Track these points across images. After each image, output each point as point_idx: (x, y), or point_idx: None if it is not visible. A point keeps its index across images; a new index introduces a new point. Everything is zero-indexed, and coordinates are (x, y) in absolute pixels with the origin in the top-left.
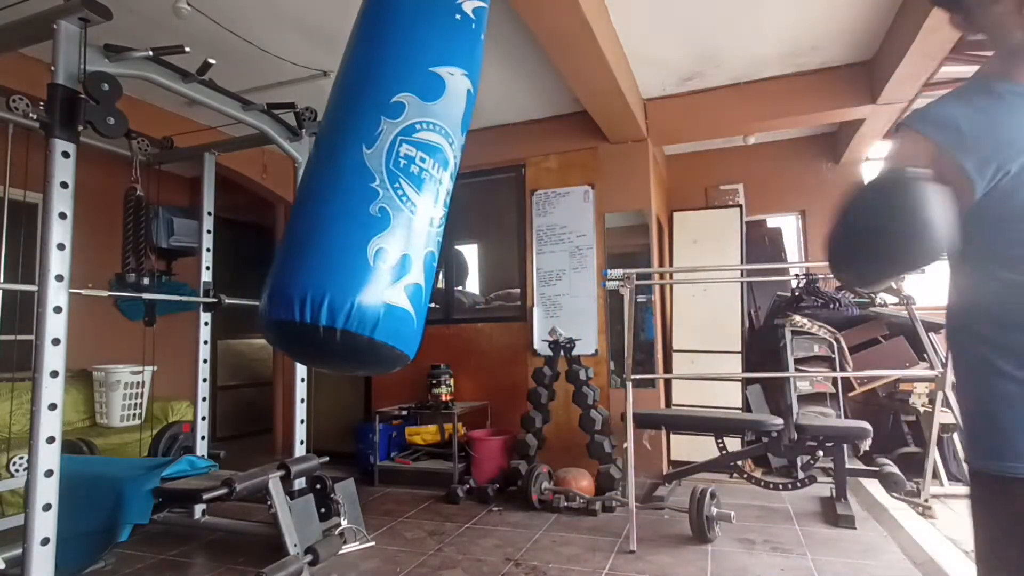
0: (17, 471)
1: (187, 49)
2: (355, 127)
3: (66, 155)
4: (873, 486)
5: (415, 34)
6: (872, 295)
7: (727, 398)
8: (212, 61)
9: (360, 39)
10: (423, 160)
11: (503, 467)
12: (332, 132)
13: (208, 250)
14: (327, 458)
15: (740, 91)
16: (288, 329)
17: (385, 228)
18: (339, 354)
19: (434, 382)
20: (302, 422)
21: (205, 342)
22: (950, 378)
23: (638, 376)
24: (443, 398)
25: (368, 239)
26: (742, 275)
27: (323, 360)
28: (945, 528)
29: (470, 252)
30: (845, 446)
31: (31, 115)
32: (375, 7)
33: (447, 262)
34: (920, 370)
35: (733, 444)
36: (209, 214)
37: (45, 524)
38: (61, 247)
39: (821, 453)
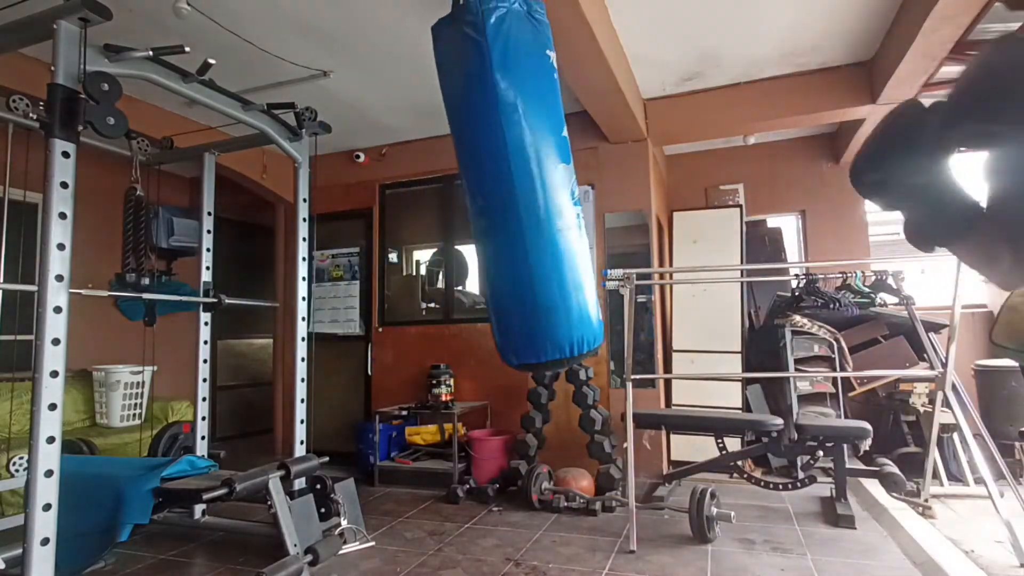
0: (17, 471)
1: (187, 49)
2: (546, 210)
3: (66, 155)
4: (873, 486)
5: (544, 104)
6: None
7: (727, 398)
8: (212, 61)
9: (522, 117)
10: (579, 216)
11: (503, 467)
12: (548, 202)
13: (208, 250)
14: (327, 458)
15: (740, 91)
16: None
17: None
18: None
19: (434, 382)
20: (302, 422)
21: (205, 342)
22: (950, 378)
23: (638, 376)
24: (443, 398)
25: (583, 271)
26: (742, 275)
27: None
28: (945, 528)
29: (470, 252)
30: (845, 446)
31: (31, 115)
32: (508, 81)
33: (447, 262)
34: (920, 370)
35: (733, 444)
36: (209, 214)
37: (45, 524)
38: (61, 247)
39: (821, 453)
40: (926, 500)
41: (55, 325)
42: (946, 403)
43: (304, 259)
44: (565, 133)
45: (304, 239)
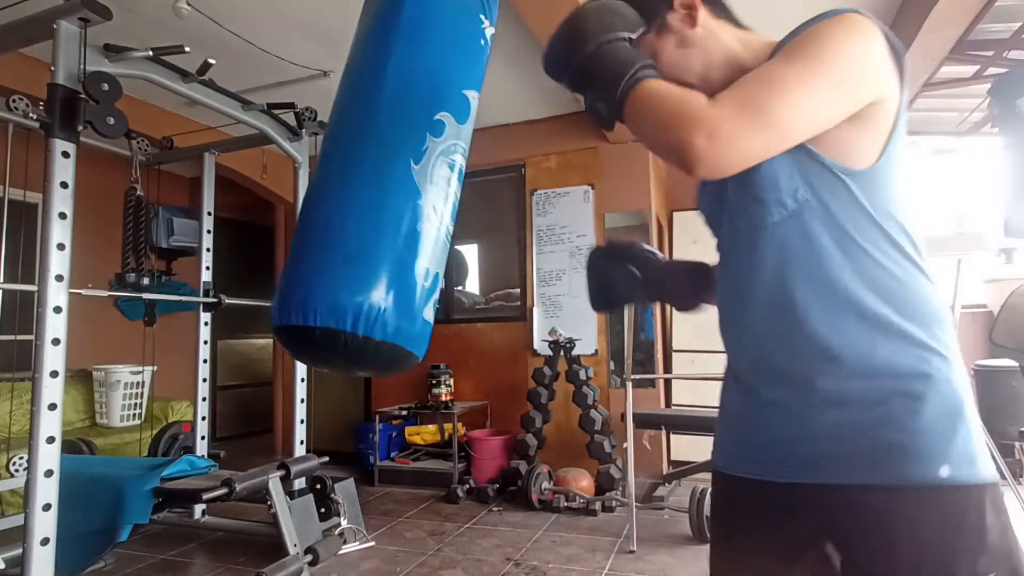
0: (17, 471)
1: (187, 49)
2: (400, 140)
3: (66, 155)
4: None
5: (453, 56)
6: None
7: None
8: (212, 61)
9: (393, 52)
10: (448, 181)
11: (503, 467)
12: (374, 145)
13: (208, 250)
14: (327, 458)
15: None
16: (323, 335)
17: (425, 247)
18: (382, 364)
19: (434, 382)
20: (302, 422)
21: (205, 342)
22: None
23: (638, 376)
24: (443, 398)
25: (416, 258)
26: None
27: (327, 360)
28: None
29: (470, 252)
30: None
31: (31, 115)
32: (407, 24)
33: (447, 262)
34: None
35: None
36: (209, 214)
37: (45, 524)
38: (61, 247)
39: None
40: None
41: (55, 325)
42: None
43: None
44: (470, 95)
45: None
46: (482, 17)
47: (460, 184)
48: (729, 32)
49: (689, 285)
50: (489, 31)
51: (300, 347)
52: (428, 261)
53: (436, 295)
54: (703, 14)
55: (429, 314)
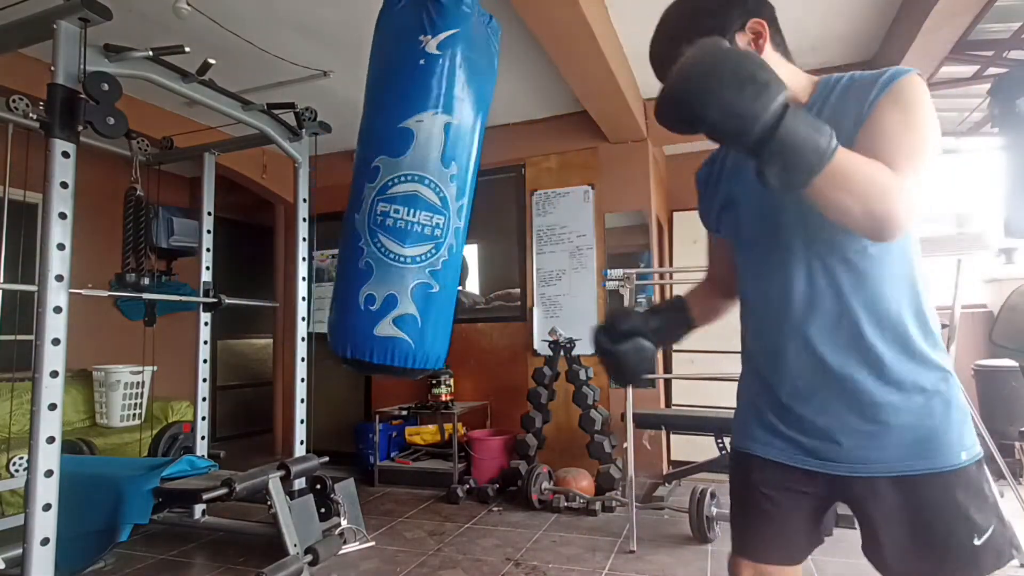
0: (17, 471)
1: (187, 49)
2: (351, 198)
3: (66, 155)
4: None
5: (386, 96)
6: None
7: (727, 398)
8: (212, 61)
9: (363, 108)
10: (396, 211)
11: (503, 467)
12: (348, 203)
13: (208, 250)
14: (327, 458)
15: None
16: (339, 360)
17: (370, 278)
18: (364, 370)
19: (434, 382)
20: (302, 422)
21: (205, 342)
22: None
23: None
24: (443, 398)
25: (358, 289)
26: None
27: (371, 371)
28: None
29: (470, 252)
30: None
31: (31, 115)
32: (368, 79)
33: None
34: None
35: None
36: (209, 214)
37: (45, 524)
38: (61, 247)
39: None
40: None
41: (55, 325)
42: None
43: (304, 259)
44: (410, 123)
45: (304, 239)
46: (421, 37)
47: (419, 207)
48: (782, 63)
49: (679, 327)
50: (432, 44)
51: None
52: (373, 288)
53: (401, 311)
54: (767, 45)
55: (383, 329)
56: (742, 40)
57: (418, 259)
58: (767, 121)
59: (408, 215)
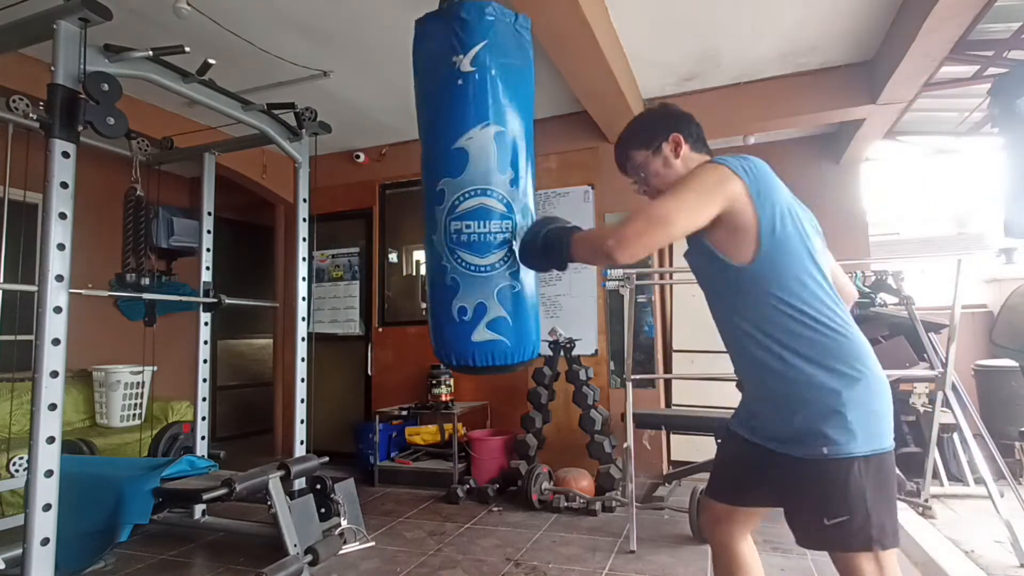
0: (17, 471)
1: (187, 49)
2: (427, 223)
3: (66, 155)
4: None
5: (436, 124)
6: (870, 295)
7: (727, 398)
8: (212, 61)
9: (419, 132)
10: (468, 227)
11: (503, 467)
12: (424, 232)
13: (208, 250)
14: (327, 458)
15: (740, 91)
16: (453, 368)
17: (457, 291)
18: (472, 372)
19: (434, 382)
20: (302, 422)
21: (205, 342)
22: (950, 378)
23: (638, 376)
24: (443, 398)
25: (450, 302)
26: None
27: (484, 373)
28: (945, 528)
29: None
30: None
31: (31, 115)
32: (418, 109)
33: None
34: (920, 370)
35: None
36: (209, 214)
37: (45, 524)
38: (61, 247)
39: None
40: (926, 500)
41: (55, 325)
42: (946, 403)
43: (304, 259)
44: (463, 143)
45: (304, 239)
46: (454, 58)
47: (485, 216)
48: (698, 157)
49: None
50: (465, 62)
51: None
52: (463, 300)
53: (492, 315)
54: (685, 148)
55: (479, 335)
56: (667, 148)
57: (497, 265)
58: (540, 241)
59: (479, 228)
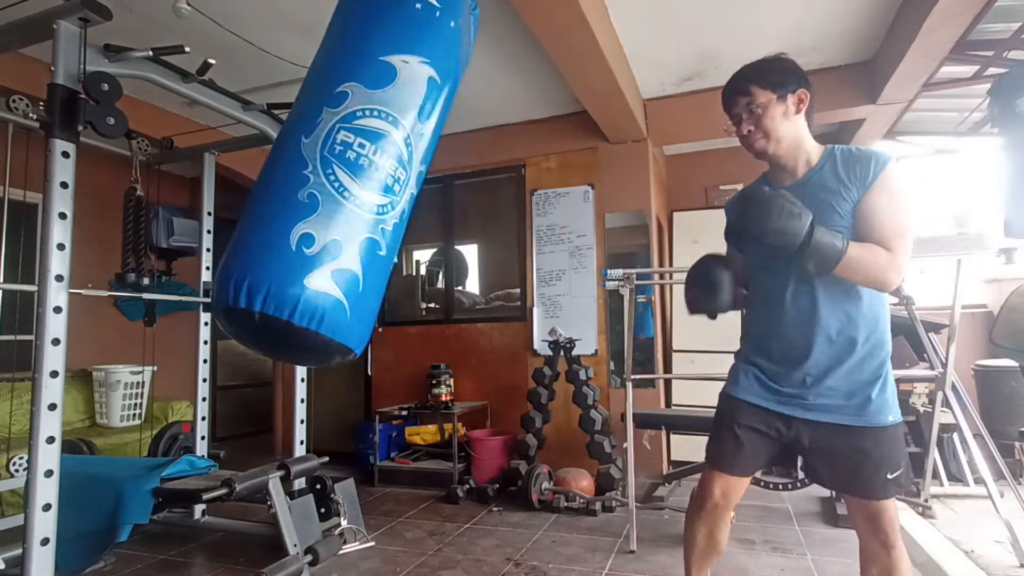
0: (17, 471)
1: (187, 49)
2: (299, 119)
3: (66, 155)
4: None
5: (368, 26)
6: None
7: None
8: (212, 61)
9: (325, 36)
10: (362, 146)
11: (503, 467)
12: (284, 126)
13: (208, 250)
14: (327, 458)
15: None
16: (226, 314)
17: (312, 213)
18: (267, 338)
19: (434, 382)
20: (302, 422)
21: (205, 342)
22: (950, 378)
23: (638, 376)
24: (443, 398)
25: (293, 224)
26: None
27: (262, 346)
28: (945, 528)
29: (470, 252)
30: None
31: (31, 115)
32: (342, 3)
33: (447, 262)
34: (920, 370)
35: None
36: (209, 214)
37: (45, 524)
38: (61, 247)
39: None
40: (926, 500)
41: (55, 325)
42: (946, 403)
43: None
44: (395, 60)
45: None
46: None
47: (384, 150)
48: (806, 131)
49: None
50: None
51: (223, 325)
52: (314, 227)
53: (342, 264)
54: (804, 110)
55: (317, 280)
56: (792, 100)
57: (375, 209)
58: (804, 235)
59: (373, 154)
